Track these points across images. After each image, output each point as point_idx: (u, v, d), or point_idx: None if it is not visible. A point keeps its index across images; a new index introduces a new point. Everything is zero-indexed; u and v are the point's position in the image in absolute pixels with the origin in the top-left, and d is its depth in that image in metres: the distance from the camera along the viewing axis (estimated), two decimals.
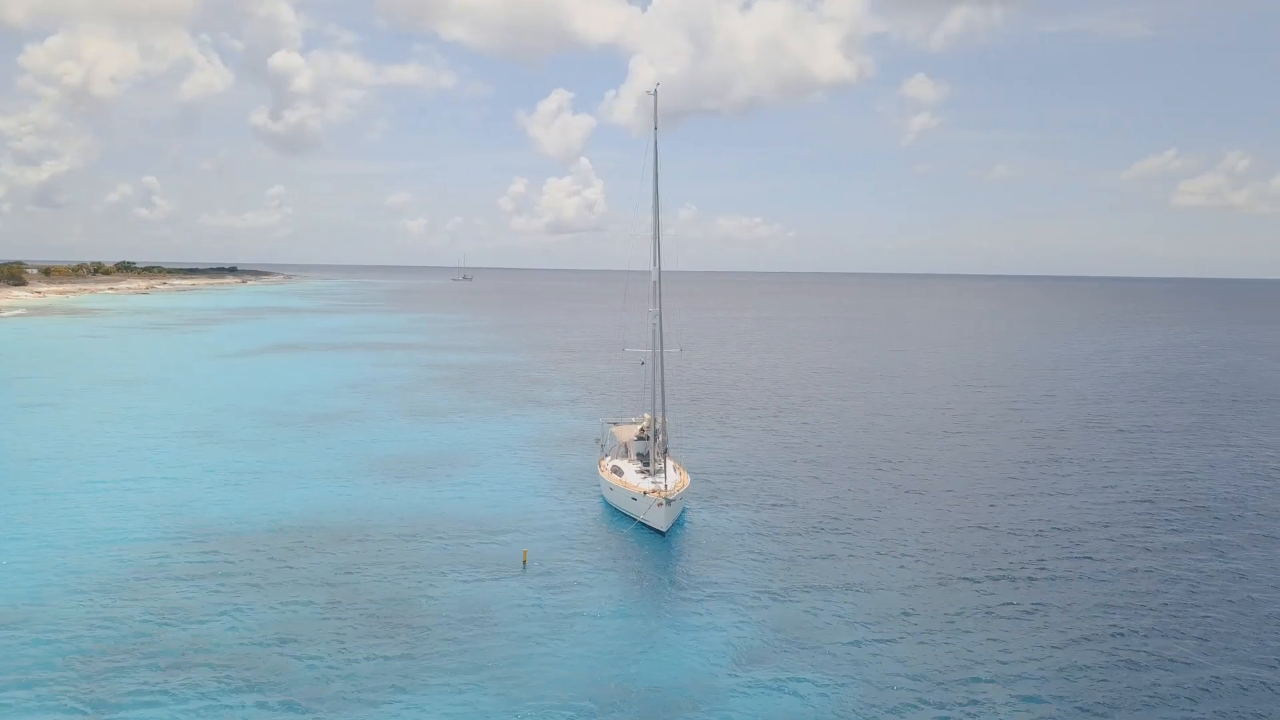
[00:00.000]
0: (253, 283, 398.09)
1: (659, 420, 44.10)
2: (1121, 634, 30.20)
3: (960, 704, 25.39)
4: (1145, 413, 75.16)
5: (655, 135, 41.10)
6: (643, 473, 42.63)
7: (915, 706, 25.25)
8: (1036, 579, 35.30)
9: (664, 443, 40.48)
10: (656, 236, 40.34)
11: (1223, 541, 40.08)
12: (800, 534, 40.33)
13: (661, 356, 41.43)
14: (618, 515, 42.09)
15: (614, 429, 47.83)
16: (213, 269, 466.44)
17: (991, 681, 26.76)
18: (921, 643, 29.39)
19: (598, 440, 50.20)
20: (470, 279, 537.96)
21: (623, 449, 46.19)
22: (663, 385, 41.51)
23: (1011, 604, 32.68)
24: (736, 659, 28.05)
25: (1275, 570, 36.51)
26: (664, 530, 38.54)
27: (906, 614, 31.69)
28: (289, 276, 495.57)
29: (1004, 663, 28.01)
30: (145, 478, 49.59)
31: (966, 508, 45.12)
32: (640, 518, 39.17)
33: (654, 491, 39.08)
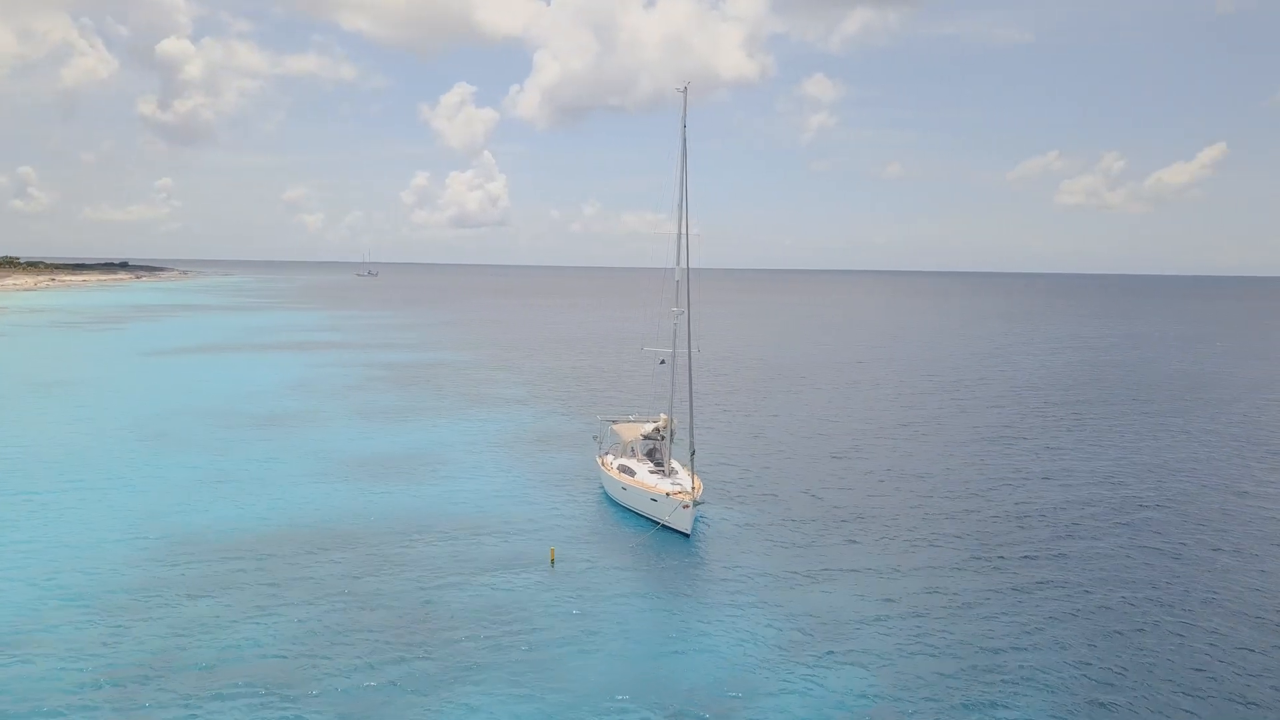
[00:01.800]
0: (148, 279, 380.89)
1: (675, 421, 43.95)
2: (1139, 605, 31.69)
3: (998, 687, 26.23)
4: (1085, 401, 78.57)
5: (684, 133, 40.93)
6: (656, 473, 42.45)
7: (956, 694, 25.93)
8: (1043, 555, 36.70)
9: (691, 444, 40.28)
10: (685, 235, 40.19)
11: (1191, 514, 42.38)
12: (817, 526, 40.95)
13: (691, 356, 41.17)
14: (628, 515, 41.98)
15: (616, 427, 47.47)
16: (101, 264, 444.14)
17: (1017, 653, 27.89)
18: (956, 626, 30.21)
19: (595, 438, 49.77)
20: (376, 274, 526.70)
21: (627, 448, 45.84)
22: (691, 385, 41.22)
23: (1023, 580, 33.90)
24: (781, 654, 28.30)
25: (1245, 537, 38.78)
26: (689, 532, 38.51)
27: (937, 596, 32.52)
28: (185, 272, 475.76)
29: (1028, 636, 29.09)
30: (118, 485, 47.19)
31: (966, 490, 46.51)
32: (663, 519, 39.02)
33: (678, 493, 39.00)
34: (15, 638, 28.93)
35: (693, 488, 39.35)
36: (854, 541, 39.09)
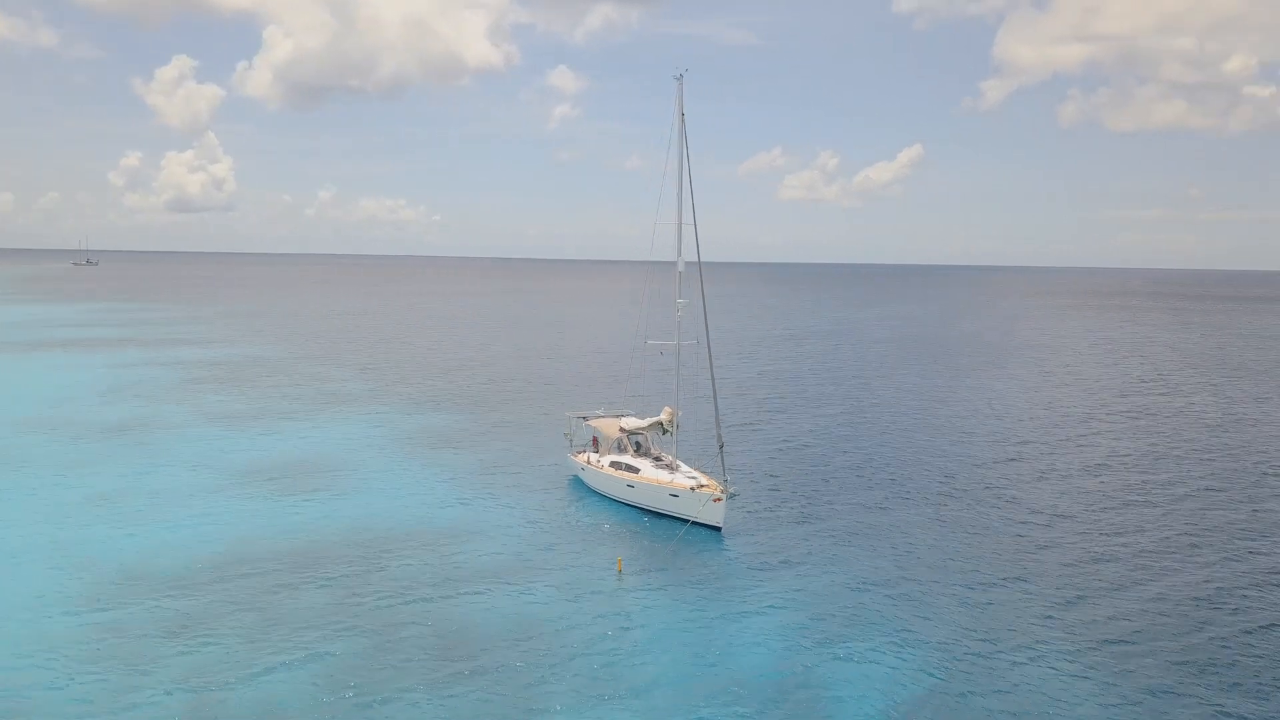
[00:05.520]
0: None
1: (680, 413, 42.22)
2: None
3: (1044, 665, 27.13)
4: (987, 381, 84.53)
5: (682, 123, 39.09)
6: (660, 468, 40.65)
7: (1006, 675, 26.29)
8: (1074, 542, 38.61)
9: (719, 437, 38.67)
10: (693, 224, 38.55)
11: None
12: (835, 511, 41.13)
13: (709, 347, 39.47)
14: (632, 511, 40.17)
15: (595, 423, 45.03)
16: None
17: (1056, 636, 29.21)
18: (1001, 614, 31.20)
19: (566, 435, 47.04)
20: (96, 263, 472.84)
21: (612, 444, 43.45)
22: (713, 377, 39.51)
23: (1052, 565, 35.72)
24: (856, 644, 27.96)
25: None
26: (721, 526, 37.23)
27: (967, 582, 33.55)
28: None
29: (1054, 619, 30.53)
30: None
31: (963, 476, 48.45)
32: (693, 516, 37.43)
33: (705, 487, 37.60)
34: None
35: (725, 480, 38.04)
36: (873, 526, 39.46)
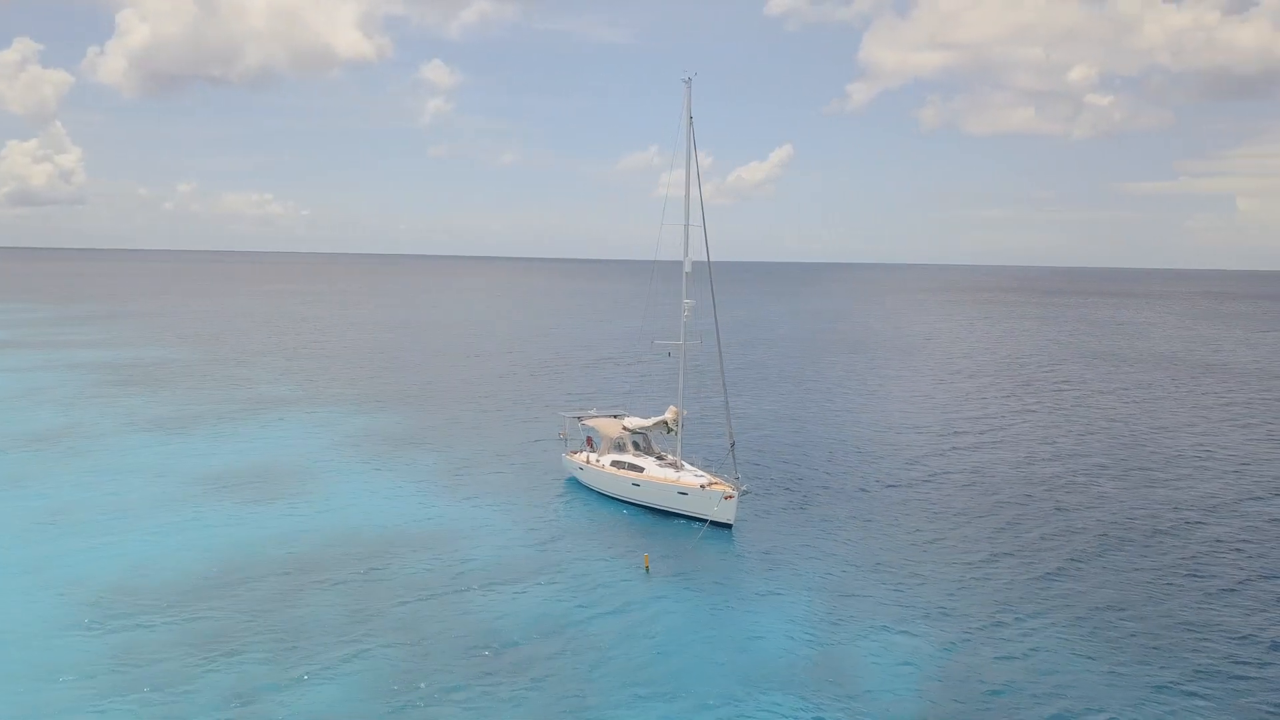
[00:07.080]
0: None
1: (685, 412, 42.43)
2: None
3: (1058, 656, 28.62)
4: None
5: (691, 126, 39.44)
6: (665, 466, 40.96)
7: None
8: (1080, 547, 40.10)
9: (730, 434, 39.06)
10: (702, 226, 39.06)
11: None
12: (837, 505, 42.20)
13: (720, 346, 40.00)
14: (636, 510, 40.44)
15: (595, 423, 44.80)
16: None
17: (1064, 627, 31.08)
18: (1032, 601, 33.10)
19: (561, 435, 46.78)
20: None
21: (612, 444, 43.31)
22: (724, 377, 40.02)
23: (1060, 563, 37.64)
24: (873, 635, 28.78)
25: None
26: (732, 523, 37.79)
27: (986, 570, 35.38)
28: None
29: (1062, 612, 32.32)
30: None
31: (955, 467, 50.24)
32: (705, 514, 37.82)
33: (716, 484, 38.14)
34: None
35: (733, 478, 38.67)
36: (867, 514, 40.84)
